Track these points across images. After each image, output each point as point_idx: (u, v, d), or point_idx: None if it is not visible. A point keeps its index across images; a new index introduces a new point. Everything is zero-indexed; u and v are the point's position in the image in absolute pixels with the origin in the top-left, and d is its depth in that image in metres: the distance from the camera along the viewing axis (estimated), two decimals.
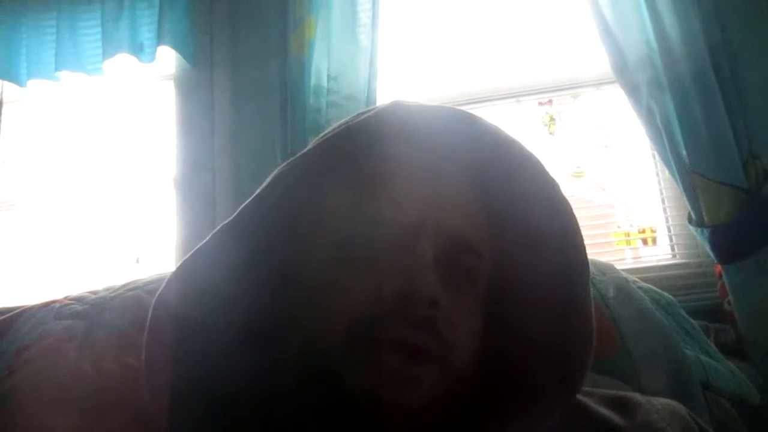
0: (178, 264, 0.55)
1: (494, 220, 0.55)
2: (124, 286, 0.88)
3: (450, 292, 0.49)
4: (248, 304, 0.53)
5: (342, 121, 0.57)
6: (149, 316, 0.53)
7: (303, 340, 0.49)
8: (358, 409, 0.45)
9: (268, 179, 0.55)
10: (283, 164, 0.55)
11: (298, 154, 0.55)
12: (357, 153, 0.54)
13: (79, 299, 0.87)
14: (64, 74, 1.72)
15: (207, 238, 0.55)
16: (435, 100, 1.64)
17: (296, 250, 0.54)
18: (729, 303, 1.28)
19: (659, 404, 0.52)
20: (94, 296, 0.87)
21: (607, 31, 1.40)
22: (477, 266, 0.52)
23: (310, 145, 0.57)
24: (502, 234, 0.55)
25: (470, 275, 0.52)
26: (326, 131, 0.57)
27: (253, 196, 0.55)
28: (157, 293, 0.54)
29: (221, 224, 0.55)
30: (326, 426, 0.48)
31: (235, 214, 0.54)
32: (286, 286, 0.52)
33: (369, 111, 0.56)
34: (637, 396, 0.54)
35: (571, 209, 0.55)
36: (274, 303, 0.52)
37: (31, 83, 1.75)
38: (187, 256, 0.55)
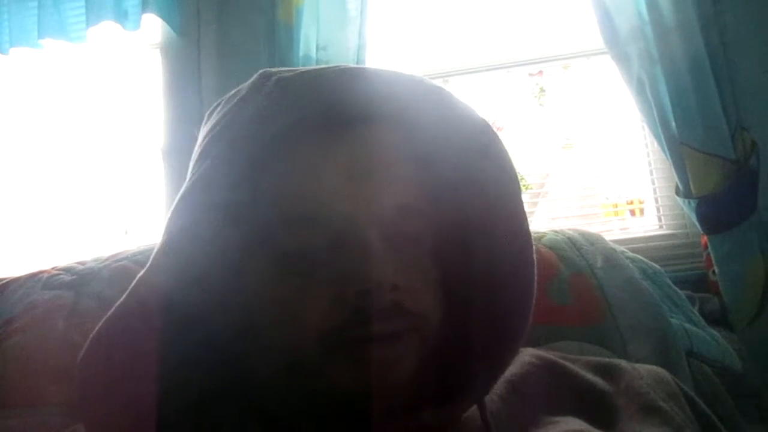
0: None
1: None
2: (112, 256, 0.88)
3: (404, 262, 0.48)
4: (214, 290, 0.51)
5: (221, 110, 0.53)
6: (127, 302, 0.50)
7: (277, 352, 0.48)
8: (345, 397, 0.46)
9: (172, 211, 0.51)
10: (183, 189, 0.50)
11: (197, 173, 0.50)
12: (293, 129, 0.50)
13: (67, 270, 0.87)
14: (48, 42, 1.68)
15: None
16: (423, 71, 1.63)
17: (236, 274, 0.51)
18: (714, 273, 1.29)
19: (644, 370, 0.53)
20: (82, 267, 0.87)
21: (598, 2, 1.38)
22: (419, 225, 0.51)
23: (199, 149, 0.52)
24: (442, 182, 0.54)
25: (416, 238, 0.51)
26: (208, 125, 0.53)
27: (167, 232, 0.51)
28: (132, 287, 0.51)
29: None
30: (315, 413, 0.48)
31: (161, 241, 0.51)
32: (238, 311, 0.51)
33: (238, 92, 0.52)
34: (623, 362, 0.55)
35: (510, 162, 0.53)
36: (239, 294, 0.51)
37: (14, 51, 1.71)
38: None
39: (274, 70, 0.53)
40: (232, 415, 0.50)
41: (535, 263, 0.53)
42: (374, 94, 0.52)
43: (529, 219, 0.54)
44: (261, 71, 0.53)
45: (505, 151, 0.53)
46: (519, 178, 0.55)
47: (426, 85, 0.53)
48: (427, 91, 0.53)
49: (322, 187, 0.49)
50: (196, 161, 0.52)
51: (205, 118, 0.56)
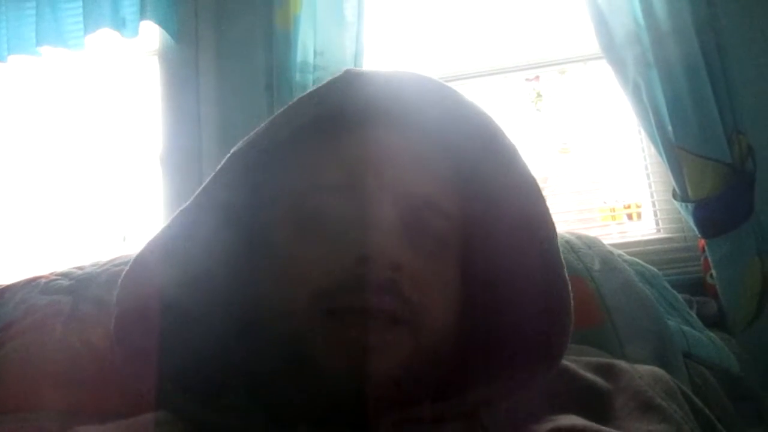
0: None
1: (466, 186, 0.55)
2: (110, 261, 0.88)
3: (418, 256, 0.49)
4: (219, 285, 0.53)
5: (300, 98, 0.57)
6: (120, 293, 0.54)
7: (272, 320, 0.49)
8: (334, 384, 0.45)
9: (227, 158, 0.54)
10: (240, 142, 0.54)
11: (255, 132, 0.55)
12: (311, 124, 0.54)
13: (65, 275, 0.87)
14: (46, 49, 1.69)
15: (172, 218, 0.54)
16: None
17: (258, 227, 0.54)
18: (711, 276, 1.29)
19: (643, 370, 0.53)
20: (80, 272, 0.87)
21: (594, 7, 1.39)
22: (446, 229, 0.52)
23: (265, 123, 0.56)
24: (475, 200, 0.55)
25: (440, 238, 0.52)
26: (283, 108, 0.57)
27: (211, 177, 0.54)
28: (123, 274, 0.54)
29: (185, 205, 0.54)
30: (311, 407, 0.48)
31: (196, 194, 0.54)
32: (253, 265, 0.52)
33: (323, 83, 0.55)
34: (622, 363, 0.55)
35: (534, 180, 0.54)
36: (244, 283, 0.52)
37: (12, 58, 1.72)
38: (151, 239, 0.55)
39: (356, 70, 0.55)
40: (237, 406, 0.50)
41: (569, 283, 0.52)
42: (378, 94, 0.54)
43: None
44: (346, 69, 0.56)
45: (511, 147, 0.54)
46: (531, 173, 0.54)
47: (433, 83, 0.55)
48: (434, 89, 0.54)
49: (349, 158, 0.52)
50: None
51: None
